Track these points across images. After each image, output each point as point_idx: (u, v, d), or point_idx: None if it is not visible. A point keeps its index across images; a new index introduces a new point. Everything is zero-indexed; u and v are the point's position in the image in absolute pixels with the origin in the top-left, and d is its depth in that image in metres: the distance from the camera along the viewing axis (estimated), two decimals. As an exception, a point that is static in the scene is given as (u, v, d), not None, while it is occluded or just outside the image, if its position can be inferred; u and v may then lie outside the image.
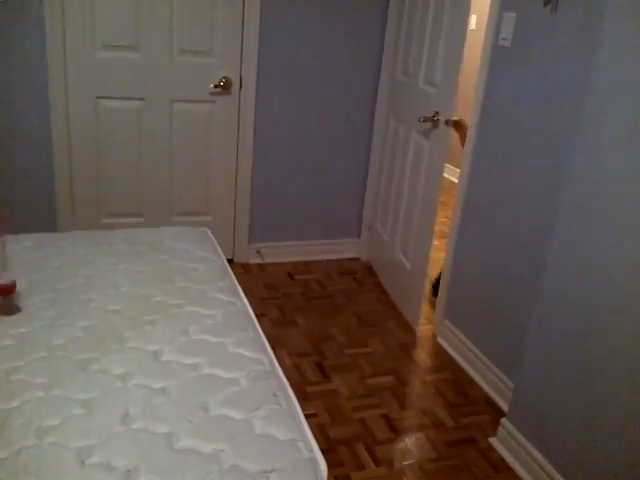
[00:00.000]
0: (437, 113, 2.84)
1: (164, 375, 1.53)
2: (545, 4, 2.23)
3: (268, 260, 3.76)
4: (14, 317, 1.72)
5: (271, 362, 1.67)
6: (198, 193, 3.49)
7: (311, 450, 1.35)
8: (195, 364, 1.59)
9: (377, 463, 2.18)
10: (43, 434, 1.29)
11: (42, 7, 2.84)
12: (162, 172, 3.37)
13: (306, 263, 3.83)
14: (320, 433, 2.28)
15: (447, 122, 2.77)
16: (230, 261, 3.60)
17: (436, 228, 3.12)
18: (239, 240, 3.66)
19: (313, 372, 2.70)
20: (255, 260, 3.74)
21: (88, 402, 1.41)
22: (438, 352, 2.97)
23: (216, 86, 3.27)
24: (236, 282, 2.14)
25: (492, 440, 2.33)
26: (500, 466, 2.22)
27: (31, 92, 2.99)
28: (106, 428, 1.33)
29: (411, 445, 2.29)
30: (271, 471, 1.24)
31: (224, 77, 3.26)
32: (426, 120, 2.88)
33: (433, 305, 3.30)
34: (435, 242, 3.66)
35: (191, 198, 3.49)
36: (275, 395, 1.50)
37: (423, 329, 3.16)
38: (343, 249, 3.94)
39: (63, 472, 1.19)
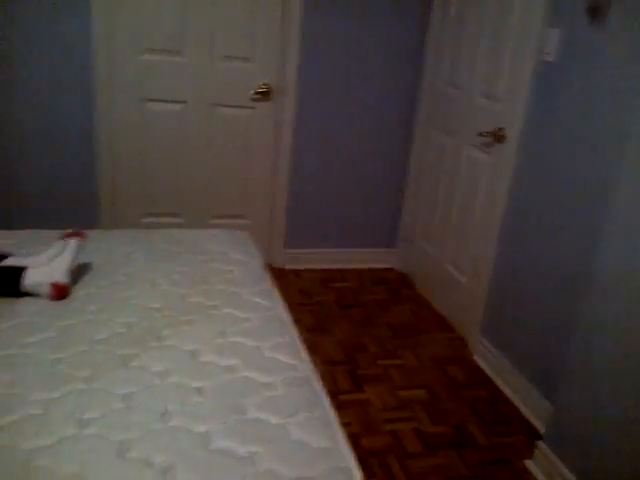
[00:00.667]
0: (501, 129, 2.79)
1: (201, 375, 1.54)
2: (592, 19, 2.18)
3: (303, 266, 3.77)
4: (59, 310, 1.75)
5: (307, 369, 1.67)
6: (235, 196, 3.52)
7: (346, 460, 1.33)
8: (231, 366, 1.59)
9: (408, 477, 2.14)
10: (84, 425, 1.31)
11: (89, 8, 2.91)
12: (201, 174, 3.41)
13: (340, 271, 3.82)
14: (352, 443, 2.26)
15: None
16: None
17: (475, 242, 3.07)
18: (274, 245, 3.67)
19: (345, 381, 2.68)
20: (290, 265, 3.75)
21: (128, 397, 1.42)
22: (473, 369, 2.92)
23: (256, 92, 3.30)
24: (273, 286, 2.14)
25: (527, 462, 2.27)
26: (534, 488, 2.17)
27: (76, 91, 3.06)
28: (145, 424, 1.34)
29: (443, 461, 2.25)
30: (307, 478, 1.23)
31: (264, 83, 3.29)
32: (488, 135, 2.85)
33: (468, 320, 3.25)
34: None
35: (228, 201, 3.52)
36: (310, 402, 1.49)
37: (458, 344, 3.12)
38: (377, 258, 3.92)
39: (104, 464, 1.20)
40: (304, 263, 3.77)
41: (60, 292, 1.80)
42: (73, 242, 1.87)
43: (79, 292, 1.86)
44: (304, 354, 1.75)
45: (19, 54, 2.93)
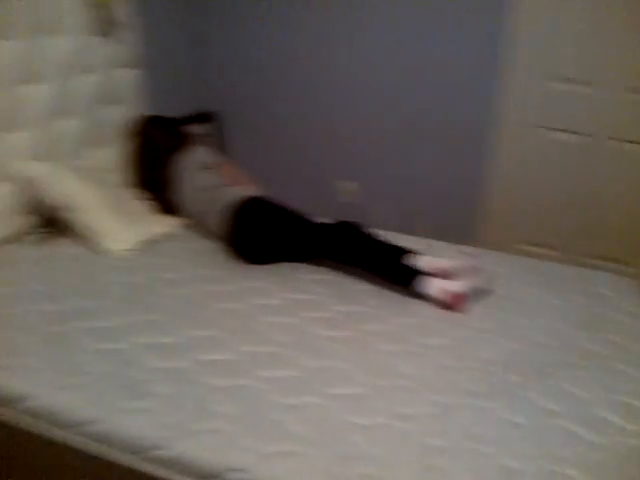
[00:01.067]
0: None
1: (593, 428, 1.44)
2: None
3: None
4: (452, 320, 1.85)
5: None
6: (624, 240, 3.23)
7: None
8: (628, 430, 1.45)
9: None
10: (478, 441, 1.35)
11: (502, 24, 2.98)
12: (592, 210, 3.22)
13: None
14: None
15: None
16: None
17: None
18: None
19: None
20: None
21: (518, 426, 1.42)
22: None
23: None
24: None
25: None
26: None
27: (470, 105, 3.18)
28: (537, 459, 1.31)
29: None
30: None
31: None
32: None
33: None
34: None
35: (615, 243, 3.25)
36: None
37: None
38: None
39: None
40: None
41: (458, 303, 1.89)
42: (476, 263, 1.98)
43: (473, 309, 1.93)
44: None
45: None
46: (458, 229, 3.41)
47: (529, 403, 1.51)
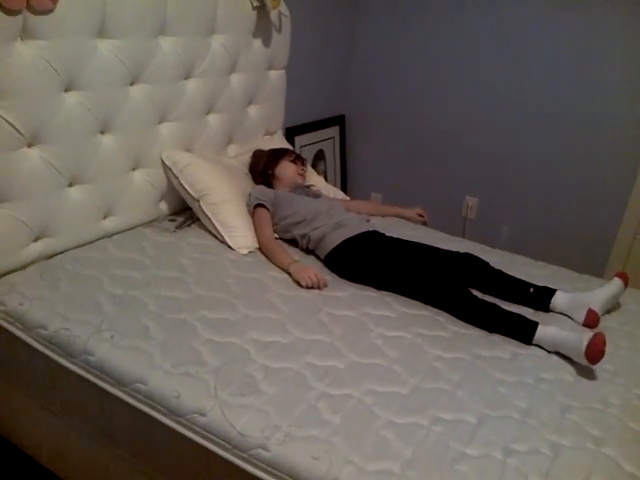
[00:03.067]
0: None
1: None
2: None
3: None
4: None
5: None
6: None
7: None
8: None
9: None
10: None
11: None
12: None
13: None
14: None
15: None
16: None
17: None
18: None
19: None
20: None
21: (635, 478, 1.31)
22: None
23: None
24: None
25: None
26: None
27: (627, 136, 2.98)
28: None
29: None
30: None
31: None
32: None
33: None
34: None
35: None
36: None
37: None
38: None
39: None
40: None
41: (593, 321, 1.85)
42: (617, 281, 1.95)
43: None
44: None
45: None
46: (589, 258, 3.21)
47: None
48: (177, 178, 2.24)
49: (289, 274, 2.02)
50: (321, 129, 3.55)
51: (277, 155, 2.50)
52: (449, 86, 3.42)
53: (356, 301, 1.93)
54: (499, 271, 2.08)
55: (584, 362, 1.65)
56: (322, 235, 2.15)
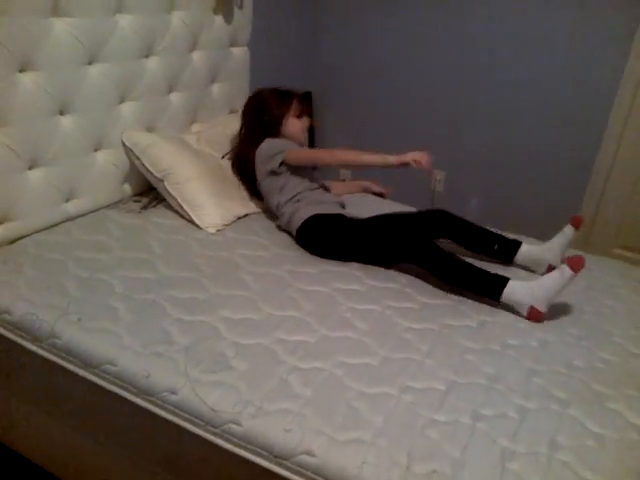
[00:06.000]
0: None
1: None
2: None
3: None
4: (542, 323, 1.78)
5: None
6: None
7: None
8: None
9: None
10: (555, 449, 1.30)
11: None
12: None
13: None
14: None
15: None
16: None
17: None
18: None
19: None
20: None
21: (600, 438, 1.35)
22: None
23: None
24: None
25: None
26: None
27: (589, 110, 3.03)
28: (619, 477, 1.25)
29: None
30: None
31: None
32: None
33: None
34: None
35: None
36: None
37: None
38: None
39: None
40: None
41: (535, 317, 1.78)
42: (567, 271, 1.75)
43: (561, 310, 1.85)
44: None
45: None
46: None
47: (618, 417, 1.43)
48: (139, 159, 2.20)
49: (388, 166, 2.01)
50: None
51: (284, 107, 2.31)
52: (415, 62, 3.42)
53: (326, 277, 1.93)
54: (467, 222, 2.13)
55: (567, 272, 1.74)
56: (295, 210, 2.15)
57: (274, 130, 2.31)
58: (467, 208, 3.46)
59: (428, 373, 1.51)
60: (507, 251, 2.11)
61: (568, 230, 2.09)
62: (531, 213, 3.32)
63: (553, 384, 1.51)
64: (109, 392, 1.48)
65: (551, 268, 1.99)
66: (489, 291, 1.85)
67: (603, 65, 2.95)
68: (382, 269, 2.02)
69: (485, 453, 1.27)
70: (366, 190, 2.68)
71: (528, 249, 2.09)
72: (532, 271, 2.08)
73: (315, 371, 1.47)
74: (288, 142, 2.27)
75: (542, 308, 1.77)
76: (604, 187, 3.17)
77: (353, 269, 2.00)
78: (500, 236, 2.13)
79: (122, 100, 2.22)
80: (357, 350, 1.57)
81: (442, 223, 2.11)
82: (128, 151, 2.22)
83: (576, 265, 1.73)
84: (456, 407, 1.40)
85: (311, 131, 3.73)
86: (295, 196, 2.18)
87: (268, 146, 2.24)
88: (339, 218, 2.14)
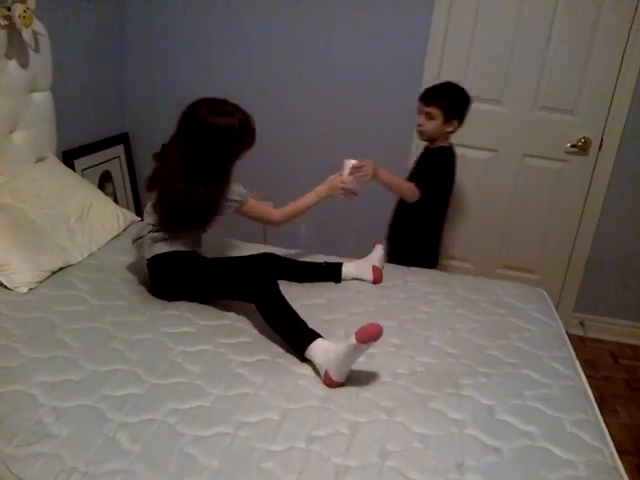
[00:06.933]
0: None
1: (498, 434, 1.50)
2: None
3: (590, 334, 3.46)
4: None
5: (612, 455, 1.51)
6: (530, 250, 3.39)
7: None
8: (529, 432, 1.52)
9: None
10: (385, 457, 1.37)
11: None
12: (499, 222, 3.36)
13: (633, 347, 3.41)
14: None
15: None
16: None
17: None
18: (562, 306, 3.43)
19: (632, 475, 2.36)
20: (575, 331, 3.47)
21: (425, 438, 1.45)
22: None
23: (573, 145, 3.14)
24: (574, 355, 2.00)
25: None
26: None
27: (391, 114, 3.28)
28: (442, 471, 1.35)
29: None
30: None
31: (583, 137, 3.12)
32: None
33: None
34: None
35: (522, 253, 3.41)
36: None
37: None
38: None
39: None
40: (592, 331, 3.47)
41: (327, 384, 1.63)
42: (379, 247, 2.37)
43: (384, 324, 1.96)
44: (609, 439, 1.58)
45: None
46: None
47: (440, 415, 1.55)
48: None
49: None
50: (104, 149, 3.38)
51: (249, 143, 2.03)
52: (227, 89, 3.46)
53: (154, 323, 1.87)
54: (293, 260, 2.34)
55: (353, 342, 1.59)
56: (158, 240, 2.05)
57: (226, 172, 1.99)
58: (298, 237, 3.55)
59: (262, 405, 1.52)
60: (334, 273, 2.31)
61: (379, 247, 2.43)
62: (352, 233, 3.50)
63: (380, 395, 1.60)
64: None
65: (376, 268, 2.31)
66: (297, 345, 1.75)
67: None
68: (210, 307, 2.00)
69: (319, 474, 1.30)
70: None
71: (346, 270, 2.32)
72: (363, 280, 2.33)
73: (145, 423, 1.41)
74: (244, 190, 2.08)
75: (335, 376, 1.61)
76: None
77: (182, 311, 1.97)
78: (322, 264, 2.34)
79: None
80: (189, 394, 1.54)
81: (272, 265, 2.24)
82: None
83: (365, 335, 1.56)
84: (291, 434, 1.42)
85: (132, 175, 3.63)
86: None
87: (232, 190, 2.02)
88: (192, 255, 2.10)
